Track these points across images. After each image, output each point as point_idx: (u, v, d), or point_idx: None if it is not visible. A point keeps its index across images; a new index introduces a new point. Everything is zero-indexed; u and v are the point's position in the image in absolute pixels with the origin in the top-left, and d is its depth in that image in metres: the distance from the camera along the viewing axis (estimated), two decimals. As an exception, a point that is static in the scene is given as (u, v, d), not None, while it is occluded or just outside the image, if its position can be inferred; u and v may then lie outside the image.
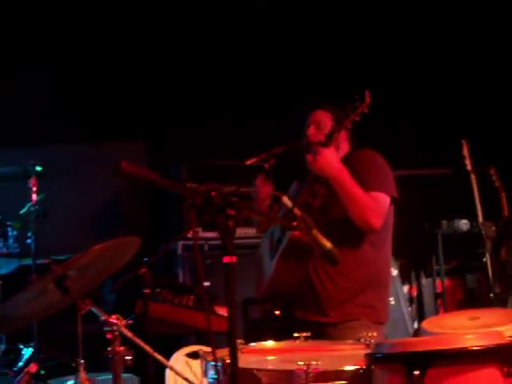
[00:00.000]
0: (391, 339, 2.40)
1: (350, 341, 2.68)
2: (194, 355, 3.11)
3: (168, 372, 2.98)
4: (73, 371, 3.69)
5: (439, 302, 5.33)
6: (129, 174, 1.56)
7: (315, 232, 2.30)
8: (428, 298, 5.38)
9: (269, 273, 3.20)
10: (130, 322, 2.33)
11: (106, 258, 2.34)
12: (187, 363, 3.12)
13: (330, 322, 3.09)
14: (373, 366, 2.05)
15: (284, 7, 5.84)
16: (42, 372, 4.40)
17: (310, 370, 2.12)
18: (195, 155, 5.48)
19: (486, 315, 2.54)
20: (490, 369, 1.87)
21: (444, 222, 5.34)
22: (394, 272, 4.86)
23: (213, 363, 2.35)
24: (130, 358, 2.25)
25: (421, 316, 5.24)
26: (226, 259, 1.64)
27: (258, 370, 2.21)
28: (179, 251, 5.20)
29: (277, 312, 3.32)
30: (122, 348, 2.23)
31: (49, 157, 5.33)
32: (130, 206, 6.00)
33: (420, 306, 5.37)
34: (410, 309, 5.18)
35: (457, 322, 2.51)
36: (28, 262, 5.05)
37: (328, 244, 2.31)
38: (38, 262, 4.94)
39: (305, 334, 2.69)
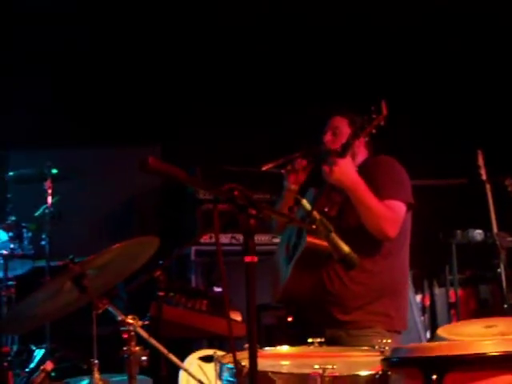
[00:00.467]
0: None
1: (365, 347, 2.68)
2: (207, 359, 3.12)
3: (181, 374, 2.98)
4: (85, 373, 3.70)
5: (452, 311, 5.30)
6: (155, 170, 1.56)
7: (333, 236, 2.29)
8: (441, 308, 5.35)
9: (284, 278, 3.20)
10: (145, 322, 2.33)
11: (125, 257, 2.35)
12: (200, 366, 3.12)
13: (343, 328, 3.09)
14: (389, 371, 2.04)
15: (297, 9, 5.85)
16: (53, 374, 4.42)
17: (325, 374, 2.11)
18: (210, 160, 5.50)
19: (503, 323, 2.51)
20: (509, 375, 1.85)
21: (458, 231, 5.32)
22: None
23: (228, 366, 2.35)
24: (145, 358, 2.25)
25: (434, 325, 5.21)
26: (247, 259, 1.65)
27: (274, 372, 2.21)
28: (192, 256, 5.22)
29: (289, 318, 3.32)
30: (137, 348, 2.23)
31: (64, 160, 5.38)
32: (145, 209, 6.03)
33: (433, 316, 5.34)
34: (422, 318, 5.16)
35: (473, 330, 2.48)
36: (42, 263, 5.08)
37: (346, 248, 2.31)
38: (52, 263, 4.97)
39: (319, 340, 2.69)
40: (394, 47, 5.91)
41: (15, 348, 4.96)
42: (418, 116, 5.81)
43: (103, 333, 2.84)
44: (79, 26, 5.81)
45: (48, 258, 5.07)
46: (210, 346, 3.99)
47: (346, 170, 3.01)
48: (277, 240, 4.26)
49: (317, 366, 2.14)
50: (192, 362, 3.16)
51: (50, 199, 5.14)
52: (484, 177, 5.15)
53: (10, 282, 5.07)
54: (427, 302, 5.37)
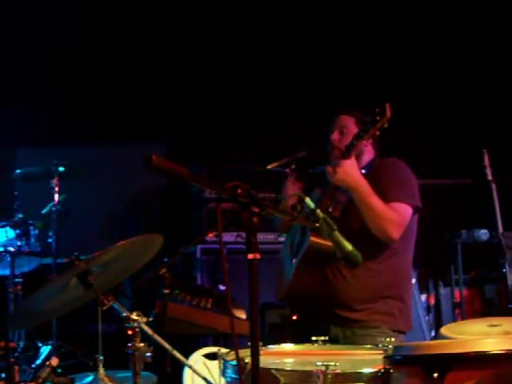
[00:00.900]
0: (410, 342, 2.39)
1: (368, 346, 2.69)
2: (211, 356, 3.13)
3: (186, 371, 2.99)
4: (90, 370, 3.73)
5: (457, 311, 5.30)
6: (159, 167, 1.58)
7: (337, 234, 2.30)
8: (446, 308, 5.35)
9: (288, 277, 3.21)
10: (150, 319, 2.35)
11: (129, 254, 2.37)
12: (205, 364, 3.13)
13: (348, 327, 3.10)
14: (391, 369, 2.05)
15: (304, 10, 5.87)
16: (59, 370, 4.44)
17: (328, 371, 2.13)
18: (217, 159, 5.52)
19: (506, 323, 2.51)
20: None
21: (464, 231, 5.31)
22: (413, 280, 4.84)
23: (232, 363, 2.37)
24: (149, 354, 2.27)
25: (438, 325, 5.20)
26: (249, 256, 1.66)
27: (277, 369, 2.22)
28: (198, 255, 5.24)
29: (294, 317, 3.33)
30: (142, 344, 2.25)
31: (71, 158, 5.40)
32: (151, 207, 6.05)
33: (438, 315, 5.34)
34: (427, 317, 5.16)
35: (476, 329, 2.49)
36: (49, 261, 5.11)
37: (349, 246, 2.32)
38: (59, 261, 5.00)
39: (322, 338, 2.71)
40: (398, 45, 5.91)
41: (22, 344, 5.00)
42: (424, 116, 5.81)
43: (108, 331, 2.86)
44: (84, 22, 5.84)
45: (55, 255, 5.10)
46: (215, 344, 4.01)
47: (350, 171, 3.02)
48: (282, 239, 4.29)
49: (319, 364, 2.15)
50: (197, 359, 3.17)
51: (56, 197, 5.18)
52: (490, 177, 5.14)
53: (17, 279, 5.11)
54: (432, 302, 5.37)
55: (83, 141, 5.85)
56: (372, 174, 3.14)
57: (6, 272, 5.06)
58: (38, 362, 4.86)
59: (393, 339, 2.54)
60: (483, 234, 5.31)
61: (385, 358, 2.12)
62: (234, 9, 5.83)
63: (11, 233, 5.05)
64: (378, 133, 3.04)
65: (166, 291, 2.65)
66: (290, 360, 2.53)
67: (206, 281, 5.25)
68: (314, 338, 2.70)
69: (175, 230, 5.59)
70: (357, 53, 5.93)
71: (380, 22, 5.89)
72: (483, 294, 5.50)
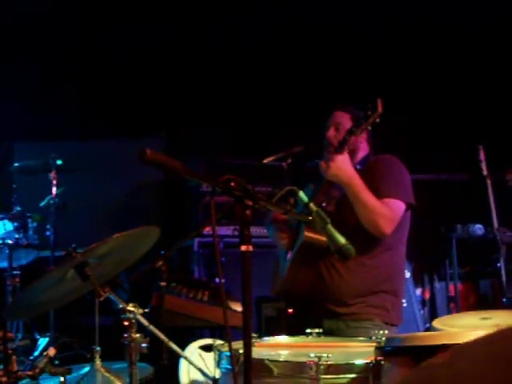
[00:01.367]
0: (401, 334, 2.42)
1: (362, 338, 2.73)
2: (207, 348, 3.16)
3: (182, 362, 3.03)
4: (87, 361, 3.76)
5: (452, 305, 5.33)
6: (153, 161, 1.61)
7: (330, 227, 2.34)
8: (441, 302, 5.39)
9: (284, 270, 3.24)
10: (146, 310, 2.38)
11: (126, 246, 2.39)
12: (200, 355, 3.16)
13: (341, 320, 3.13)
14: (383, 360, 2.09)
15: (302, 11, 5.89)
16: (56, 362, 4.48)
17: (321, 363, 2.17)
18: (214, 152, 5.54)
19: (498, 316, 2.55)
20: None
21: (459, 226, 5.34)
22: (407, 274, 4.87)
23: (226, 354, 2.40)
24: (145, 345, 2.30)
25: (433, 319, 5.23)
26: (242, 247, 1.69)
27: (270, 360, 2.26)
28: (195, 248, 5.26)
29: (290, 310, 3.36)
30: (138, 335, 2.28)
31: (69, 151, 5.43)
32: (148, 201, 6.08)
33: (432, 309, 5.38)
34: (422, 311, 5.19)
35: (468, 322, 2.52)
36: (46, 253, 5.14)
37: (342, 239, 2.35)
38: (57, 253, 5.03)
39: (317, 330, 2.75)
40: (394, 43, 5.93)
41: (20, 336, 5.03)
42: (420, 111, 5.84)
43: (105, 323, 2.89)
44: (83, 20, 5.85)
45: (52, 248, 5.13)
46: (212, 336, 4.04)
47: (343, 166, 3.05)
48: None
49: (312, 355, 2.19)
50: (192, 350, 3.20)
51: (54, 190, 5.20)
52: (485, 172, 5.17)
53: (15, 272, 5.14)
54: (427, 296, 5.40)
55: (81, 134, 5.87)
56: (366, 169, 3.17)
57: (4, 264, 5.09)
58: (36, 353, 4.89)
59: (386, 331, 2.57)
60: (478, 228, 5.34)
61: (376, 349, 2.16)
62: (234, 9, 5.84)
63: (9, 225, 5.07)
64: (370, 128, 3.07)
65: (163, 284, 2.67)
66: (285, 352, 2.57)
67: (203, 274, 5.28)
68: (308, 331, 2.74)
69: (172, 223, 5.61)
70: (354, 50, 5.95)
71: (377, 19, 5.91)
72: (478, 289, 5.54)
